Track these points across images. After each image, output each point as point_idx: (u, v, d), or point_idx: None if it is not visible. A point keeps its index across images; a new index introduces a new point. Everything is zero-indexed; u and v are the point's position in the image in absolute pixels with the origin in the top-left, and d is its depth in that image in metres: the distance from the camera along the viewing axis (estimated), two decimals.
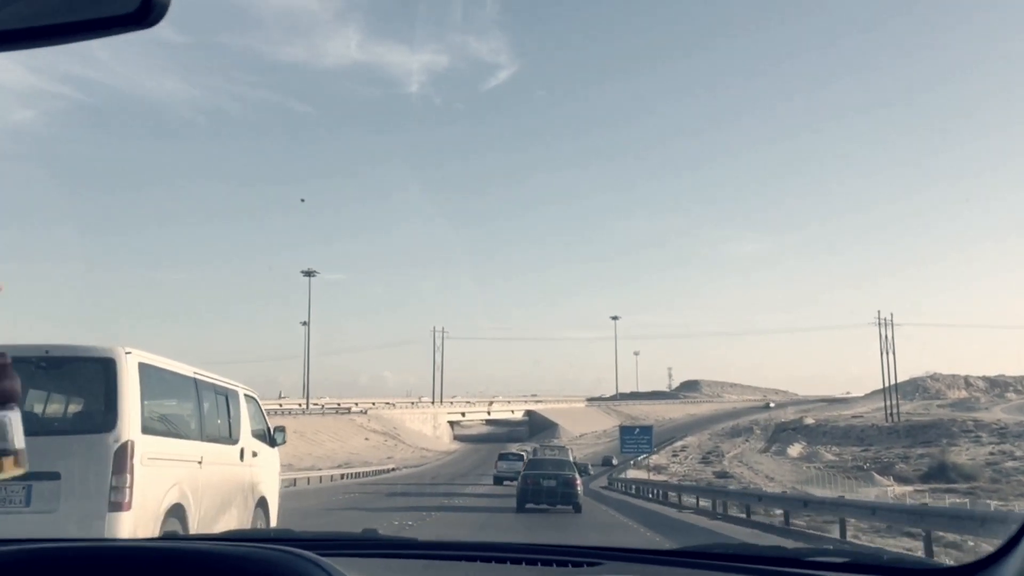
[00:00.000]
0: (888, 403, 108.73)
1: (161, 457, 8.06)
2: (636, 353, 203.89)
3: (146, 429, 7.83)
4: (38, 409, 7.96)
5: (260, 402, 11.68)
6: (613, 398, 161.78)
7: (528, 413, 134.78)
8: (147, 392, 7.96)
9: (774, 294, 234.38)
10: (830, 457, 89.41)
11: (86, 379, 7.96)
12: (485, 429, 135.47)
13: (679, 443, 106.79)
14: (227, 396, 10.28)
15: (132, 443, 7.52)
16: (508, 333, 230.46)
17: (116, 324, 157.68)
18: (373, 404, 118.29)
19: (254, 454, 10.83)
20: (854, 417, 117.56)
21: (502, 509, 25.49)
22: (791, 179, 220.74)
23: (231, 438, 10.21)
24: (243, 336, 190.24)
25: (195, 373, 9.44)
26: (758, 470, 78.37)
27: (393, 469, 62.21)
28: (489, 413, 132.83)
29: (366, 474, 54.71)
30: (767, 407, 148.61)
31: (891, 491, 56.59)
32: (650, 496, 38.38)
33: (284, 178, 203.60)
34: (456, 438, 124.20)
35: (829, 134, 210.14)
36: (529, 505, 24.57)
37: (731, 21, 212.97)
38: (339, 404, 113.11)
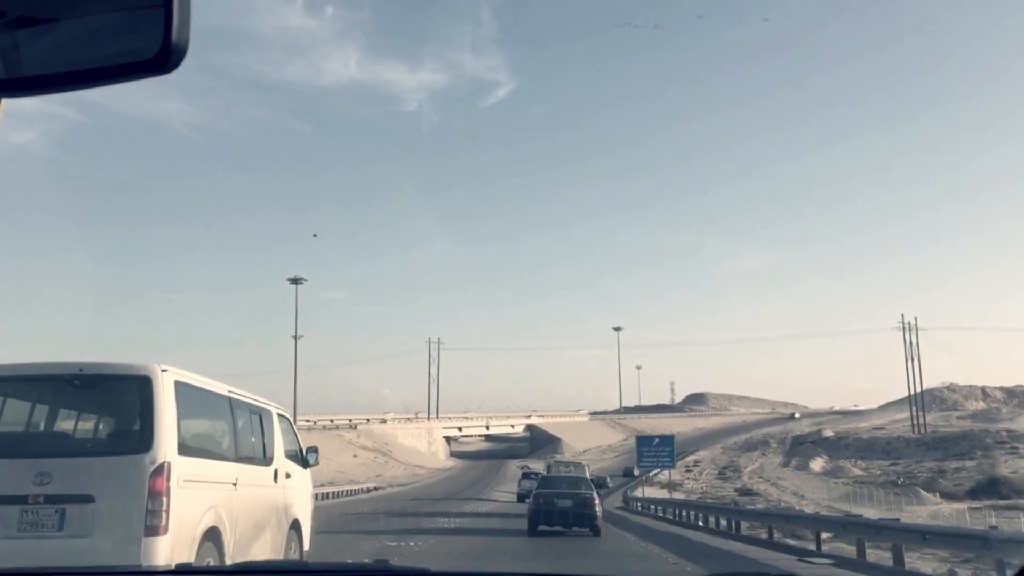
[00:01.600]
0: (914, 414, 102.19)
1: (197, 479, 7.75)
2: (638, 367, 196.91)
3: (182, 450, 7.51)
4: (71, 429, 7.94)
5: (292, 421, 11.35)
6: (617, 412, 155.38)
7: (529, 428, 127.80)
8: (183, 411, 7.64)
9: (780, 309, 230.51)
10: (857, 472, 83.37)
11: (121, 398, 7.72)
12: (484, 445, 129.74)
13: (691, 457, 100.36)
14: (260, 415, 9.96)
15: (169, 464, 7.23)
16: (509, 350, 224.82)
17: (117, 344, 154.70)
18: (367, 420, 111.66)
19: (287, 475, 10.45)
20: (875, 429, 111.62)
21: (509, 532, 23.68)
22: (791, 195, 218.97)
23: (265, 459, 9.86)
24: (243, 355, 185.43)
25: (229, 392, 9.09)
26: (783, 486, 71.82)
27: (375, 488, 54.84)
28: (488, 428, 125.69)
29: (339, 494, 47.92)
30: (791, 418, 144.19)
31: (944, 509, 50.10)
32: (701, 524, 30.07)
33: (281, 194, 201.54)
34: (453, 454, 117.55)
35: (826, 152, 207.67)
36: (542, 527, 22.74)
37: (734, 40, 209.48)
38: (332, 420, 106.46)
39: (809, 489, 68.05)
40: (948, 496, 60.15)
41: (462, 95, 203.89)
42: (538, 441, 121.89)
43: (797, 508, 46.98)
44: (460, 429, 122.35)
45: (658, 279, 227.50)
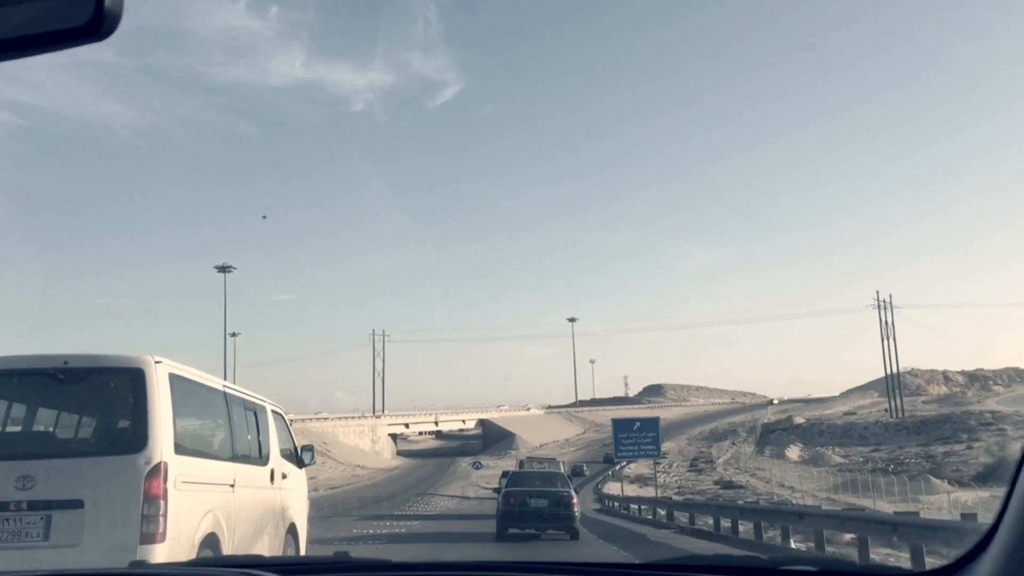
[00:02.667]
0: (892, 398, 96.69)
1: (195, 480, 7.09)
2: (592, 361, 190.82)
3: (179, 449, 6.85)
4: (56, 428, 7.33)
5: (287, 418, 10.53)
6: (572, 405, 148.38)
7: (481, 423, 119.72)
8: (178, 407, 6.95)
9: (732, 301, 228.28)
10: (838, 459, 77.40)
11: (111, 392, 6.99)
12: (434, 443, 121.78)
13: None
14: (255, 412, 9.25)
15: (165, 465, 6.60)
16: (460, 341, 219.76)
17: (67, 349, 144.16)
18: (310, 418, 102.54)
19: (283, 476, 9.70)
20: (847, 415, 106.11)
21: (475, 537, 21.90)
22: (740, 191, 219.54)
23: (261, 458, 9.14)
24: (194, 356, 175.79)
25: (224, 386, 8.57)
26: (765, 477, 64.99)
27: None
28: (437, 424, 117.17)
29: None
30: (769, 404, 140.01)
31: (965, 497, 43.56)
32: (693, 526, 23.03)
33: (228, 197, 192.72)
34: (400, 453, 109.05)
35: (763, 149, 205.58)
36: (513, 530, 21.14)
37: (681, 38, 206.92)
38: None
39: (795, 479, 61.32)
40: (954, 483, 53.91)
41: (410, 95, 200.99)
42: (491, 437, 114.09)
43: (782, 499, 40.32)
44: (407, 426, 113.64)
45: (609, 277, 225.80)
